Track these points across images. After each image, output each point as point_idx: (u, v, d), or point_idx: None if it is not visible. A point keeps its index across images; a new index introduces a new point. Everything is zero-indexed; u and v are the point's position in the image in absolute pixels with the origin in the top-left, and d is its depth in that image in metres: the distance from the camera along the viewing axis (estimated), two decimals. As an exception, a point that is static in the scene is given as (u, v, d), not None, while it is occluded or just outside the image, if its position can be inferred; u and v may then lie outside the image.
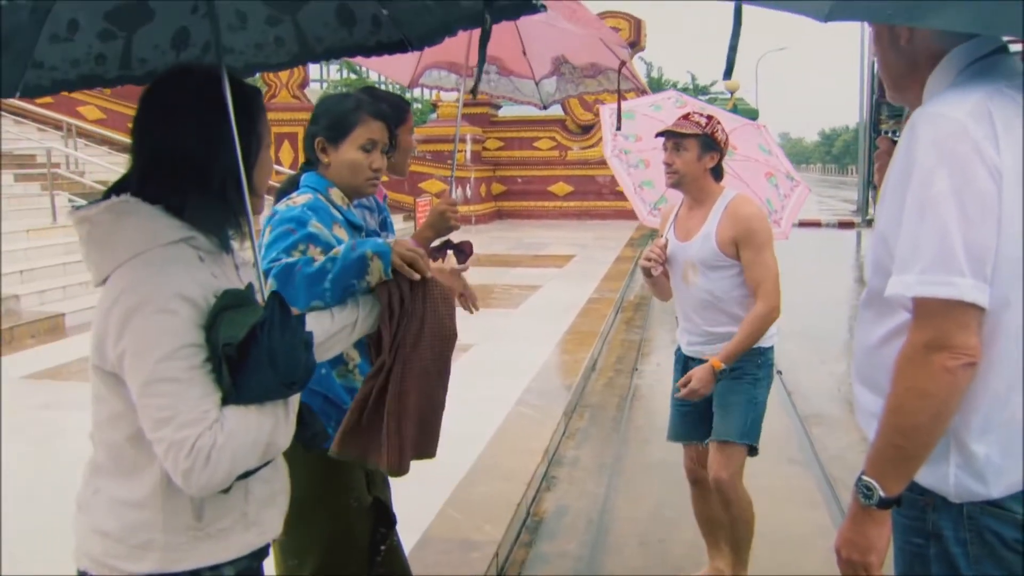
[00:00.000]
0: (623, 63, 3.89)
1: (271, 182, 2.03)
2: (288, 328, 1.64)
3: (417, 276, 2.27)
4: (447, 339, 2.38)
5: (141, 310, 1.61)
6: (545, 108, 4.38)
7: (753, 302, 3.55)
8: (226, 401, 1.63)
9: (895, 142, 2.01)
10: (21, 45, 2.09)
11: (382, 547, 2.68)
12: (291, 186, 2.63)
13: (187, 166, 1.74)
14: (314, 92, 25.58)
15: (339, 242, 2.45)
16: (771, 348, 3.69)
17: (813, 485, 5.34)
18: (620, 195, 24.90)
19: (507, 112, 26.62)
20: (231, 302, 1.65)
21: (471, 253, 3.12)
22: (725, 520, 3.74)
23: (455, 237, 3.03)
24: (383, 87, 4.51)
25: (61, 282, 10.31)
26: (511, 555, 4.39)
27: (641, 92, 5.14)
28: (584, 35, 3.66)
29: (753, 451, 3.63)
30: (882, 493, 1.73)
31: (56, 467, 4.84)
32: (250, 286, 1.71)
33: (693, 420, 3.78)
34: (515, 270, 14.51)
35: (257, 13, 2.33)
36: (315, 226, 2.43)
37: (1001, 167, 1.60)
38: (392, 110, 3.11)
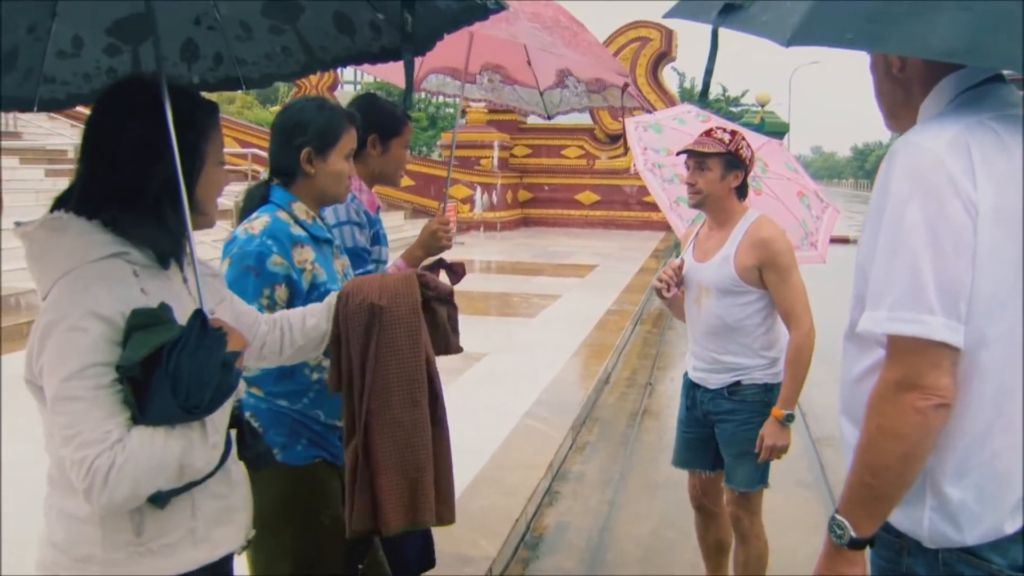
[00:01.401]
0: (627, 84, 3.89)
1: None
2: (202, 348, 1.61)
3: None
4: (415, 381, 2.28)
5: (56, 327, 1.60)
6: (549, 118, 4.38)
7: (766, 331, 3.45)
8: (136, 421, 1.61)
9: None
10: (27, 63, 2.16)
11: (360, 566, 2.64)
12: (260, 201, 2.58)
13: (121, 180, 1.72)
14: (347, 95, 25.72)
15: (297, 272, 2.44)
16: (779, 384, 3.49)
17: (820, 509, 5.25)
18: (647, 205, 24.94)
19: (535, 120, 26.61)
20: (141, 321, 1.62)
21: (463, 274, 3.07)
22: (739, 555, 3.66)
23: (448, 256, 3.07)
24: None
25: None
26: (507, 571, 4.34)
27: (647, 111, 5.08)
28: (584, 53, 3.64)
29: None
30: (853, 533, 1.67)
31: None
32: (163, 305, 1.67)
33: (698, 448, 3.69)
34: (536, 279, 14.47)
35: (260, 24, 2.35)
36: (275, 262, 2.40)
37: (977, 201, 1.56)
38: (388, 121, 3.11)
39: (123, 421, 1.60)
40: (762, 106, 29.45)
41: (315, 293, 2.48)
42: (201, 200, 1.84)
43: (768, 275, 3.37)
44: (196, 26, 2.29)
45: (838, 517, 1.69)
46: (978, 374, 1.61)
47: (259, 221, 2.46)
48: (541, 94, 4.22)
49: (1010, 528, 1.67)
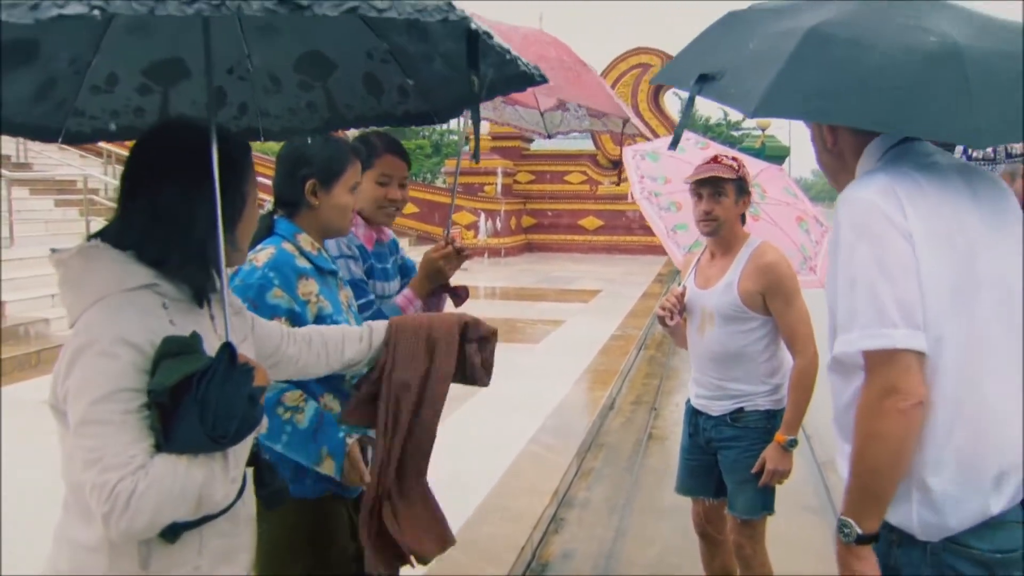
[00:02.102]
0: (626, 121, 3.97)
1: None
2: (230, 381, 1.63)
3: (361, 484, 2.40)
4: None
5: (86, 351, 1.62)
6: (550, 137, 4.45)
7: (769, 358, 3.46)
8: (160, 449, 1.62)
9: None
10: (62, 94, 2.20)
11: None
12: (265, 232, 2.61)
13: (169, 221, 1.76)
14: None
15: (301, 305, 2.45)
16: (783, 411, 3.50)
17: (827, 534, 5.22)
18: (649, 230, 24.66)
19: (538, 146, 26.72)
20: (172, 349, 1.65)
21: (466, 297, 3.16)
22: None
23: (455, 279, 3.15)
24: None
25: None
26: (512, 599, 4.32)
27: (648, 139, 5.14)
28: (588, 96, 3.74)
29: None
30: (859, 530, 1.90)
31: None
32: (194, 334, 1.70)
33: (701, 475, 3.69)
34: (540, 304, 14.48)
35: (290, 79, 2.38)
36: (275, 295, 2.42)
37: (911, 230, 1.86)
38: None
39: (147, 447, 1.61)
40: (763, 130, 29.54)
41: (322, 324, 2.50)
42: (239, 238, 1.90)
43: (772, 301, 3.38)
44: (228, 75, 2.33)
45: (843, 518, 1.92)
46: (939, 372, 1.87)
47: (264, 253, 2.48)
48: (542, 114, 4.29)
49: (996, 507, 1.91)
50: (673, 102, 28.37)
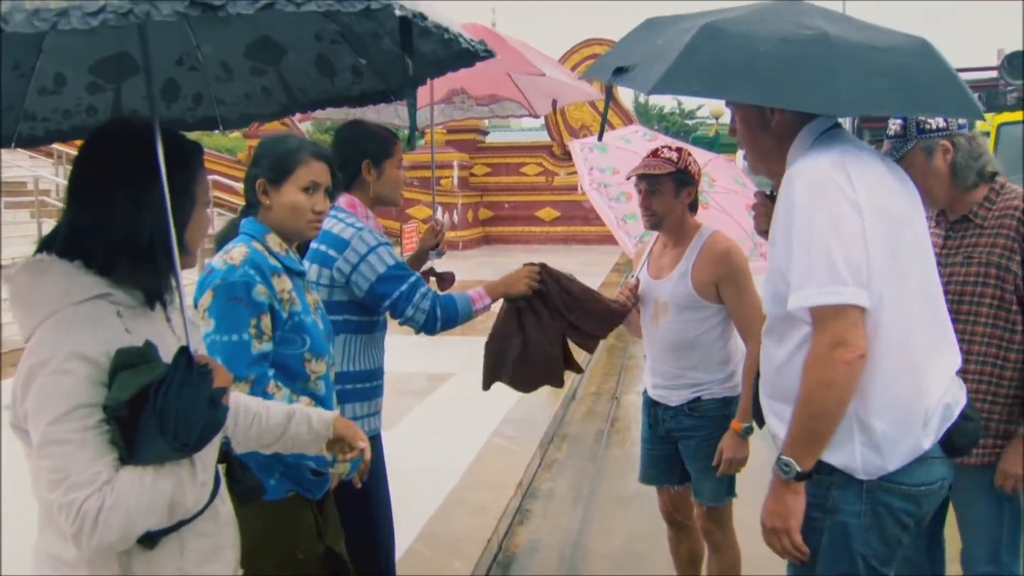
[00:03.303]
0: (555, 102, 4.23)
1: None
2: (188, 386, 1.61)
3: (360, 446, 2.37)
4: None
5: (40, 371, 1.59)
6: (422, 135, 4.66)
7: (723, 345, 3.47)
8: (125, 461, 1.60)
9: (769, 196, 2.69)
10: (9, 100, 2.17)
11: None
12: (232, 231, 2.59)
13: (116, 224, 1.72)
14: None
15: (278, 301, 2.46)
16: (737, 397, 3.51)
17: (789, 517, 5.28)
18: (607, 220, 24.87)
19: (494, 138, 26.70)
20: (126, 361, 1.62)
21: (453, 281, 3.62)
22: (713, 565, 3.68)
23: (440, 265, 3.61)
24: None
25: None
26: (480, 592, 4.32)
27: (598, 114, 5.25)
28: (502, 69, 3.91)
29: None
30: (799, 468, 2.10)
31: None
32: (148, 344, 1.67)
33: (664, 464, 3.69)
34: (499, 297, 14.35)
35: (242, 65, 2.36)
36: (260, 291, 2.42)
37: (859, 201, 2.09)
38: (378, 144, 3.14)
39: (111, 462, 1.59)
40: (716, 119, 29.77)
41: (290, 323, 2.47)
42: (190, 241, 1.85)
43: (725, 290, 3.40)
44: (178, 66, 2.30)
45: (784, 458, 2.13)
46: (882, 328, 2.11)
47: (237, 251, 2.46)
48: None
49: (927, 444, 2.18)
50: (626, 93, 28.47)
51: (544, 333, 3.33)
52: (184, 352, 1.64)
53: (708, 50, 2.08)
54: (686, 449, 3.55)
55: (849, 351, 2.03)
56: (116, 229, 1.71)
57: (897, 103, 2.26)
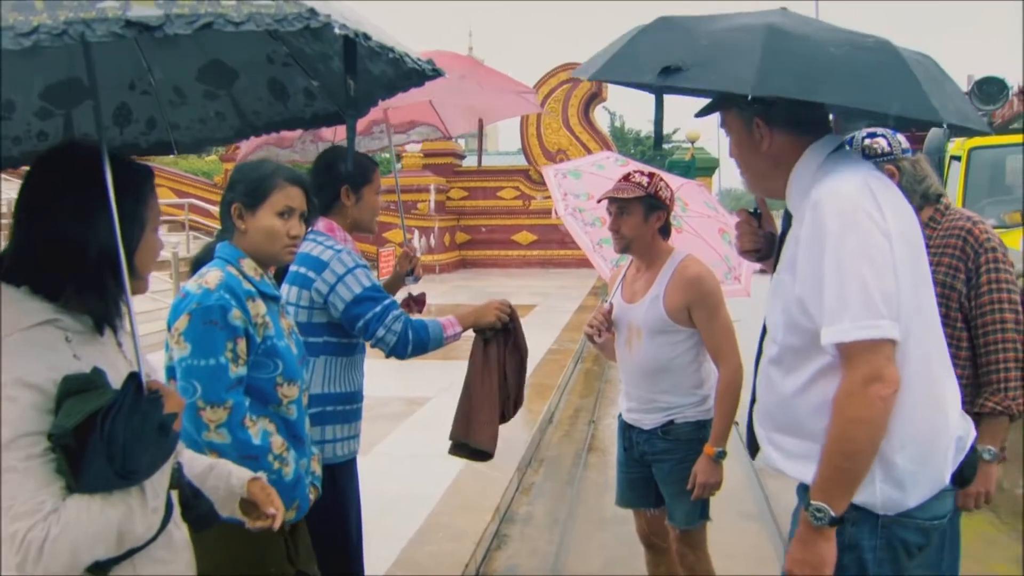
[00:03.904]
0: (481, 121, 4.71)
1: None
2: (137, 413, 1.59)
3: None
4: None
5: None
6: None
7: (696, 369, 3.48)
8: (71, 490, 1.58)
9: (752, 214, 2.68)
10: None
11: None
12: (207, 255, 2.59)
13: (63, 248, 1.70)
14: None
15: (253, 326, 2.47)
16: (711, 420, 3.51)
17: (766, 540, 5.30)
18: (584, 244, 24.89)
19: (471, 162, 26.71)
20: (73, 387, 1.60)
21: (424, 303, 3.76)
22: None
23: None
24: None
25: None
26: (457, 618, 4.29)
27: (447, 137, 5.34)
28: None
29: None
30: (832, 513, 2.00)
31: None
32: (95, 370, 1.65)
33: (640, 487, 3.69)
34: (476, 320, 14.33)
35: (194, 89, 2.36)
36: (235, 316, 2.42)
37: (888, 229, 2.00)
38: (357, 170, 3.17)
39: (57, 491, 1.57)
40: (692, 143, 29.96)
41: (264, 347, 2.47)
42: (140, 266, 1.83)
43: (697, 314, 3.41)
44: (130, 91, 2.29)
45: (815, 503, 2.01)
46: (907, 361, 2.01)
47: (212, 276, 2.46)
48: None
49: (947, 478, 2.12)
50: (603, 117, 28.65)
51: (502, 373, 3.39)
52: (134, 378, 1.62)
53: (787, 50, 1.98)
54: (659, 472, 3.56)
55: (885, 387, 1.94)
56: (62, 254, 1.70)
57: (973, 120, 2.16)
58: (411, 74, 2.06)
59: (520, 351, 3.41)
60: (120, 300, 1.77)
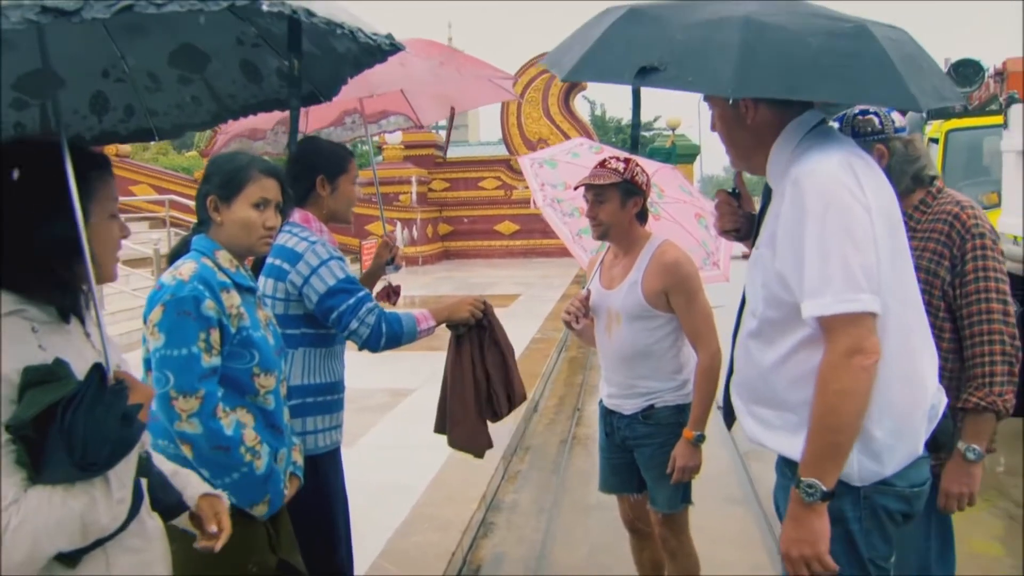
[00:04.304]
0: (452, 109, 4.84)
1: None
2: (100, 404, 1.59)
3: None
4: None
5: None
6: None
7: (676, 354, 3.50)
8: (32, 481, 1.58)
9: (731, 193, 2.68)
10: None
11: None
12: (184, 248, 2.59)
13: (9, 241, 1.70)
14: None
15: (227, 317, 2.46)
16: (691, 404, 3.53)
17: (751, 524, 5.33)
18: (566, 233, 24.88)
19: (453, 153, 26.68)
20: (35, 379, 1.60)
21: (399, 294, 3.95)
22: (671, 573, 3.70)
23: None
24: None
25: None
26: (445, 607, 4.31)
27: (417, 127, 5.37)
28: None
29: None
30: (824, 488, 2.02)
31: None
32: (58, 361, 1.65)
33: (623, 472, 3.71)
34: (460, 311, 14.31)
35: (168, 74, 2.36)
36: (209, 306, 2.42)
37: (868, 203, 2.03)
38: (332, 160, 3.16)
39: (18, 481, 1.57)
40: (673, 130, 30.02)
41: (239, 337, 2.48)
42: (99, 255, 1.82)
43: (675, 299, 3.42)
44: (104, 78, 2.28)
45: (806, 480, 2.03)
46: (886, 335, 2.04)
47: (186, 267, 2.46)
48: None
49: (922, 448, 2.18)
50: (583, 106, 28.64)
51: (475, 371, 3.38)
52: (97, 369, 1.63)
53: (765, 45, 1.98)
54: (641, 457, 3.58)
55: (867, 357, 1.98)
56: (14, 245, 1.70)
57: (949, 96, 2.19)
58: (373, 50, 2.05)
59: (499, 346, 3.40)
60: (81, 289, 1.78)
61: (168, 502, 1.97)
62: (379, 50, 2.04)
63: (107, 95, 2.33)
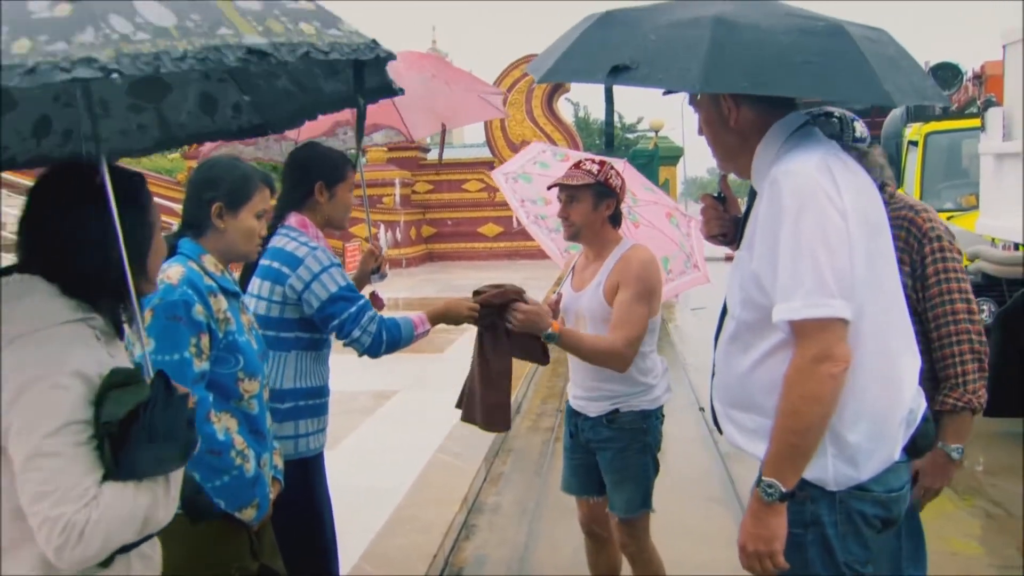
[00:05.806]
0: (444, 127, 4.87)
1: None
2: (171, 406, 1.69)
3: None
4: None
5: (35, 385, 1.65)
6: None
7: (641, 358, 3.44)
8: (106, 477, 1.66)
9: (716, 197, 2.71)
10: None
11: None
12: (169, 252, 2.59)
13: (88, 257, 1.79)
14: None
15: (215, 321, 2.49)
16: (658, 409, 3.56)
17: (732, 523, 5.34)
18: (550, 235, 24.89)
19: (436, 155, 26.64)
20: (118, 380, 1.69)
21: (382, 307, 3.85)
22: (635, 574, 3.70)
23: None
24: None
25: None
26: (427, 609, 4.31)
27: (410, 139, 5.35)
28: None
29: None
30: (783, 488, 2.04)
31: None
32: (138, 365, 1.77)
33: (584, 474, 3.70)
34: (444, 313, 14.30)
35: (120, 101, 2.35)
36: (198, 311, 2.44)
37: (844, 207, 2.02)
38: (333, 167, 3.20)
39: (98, 477, 1.65)
40: (656, 132, 30.10)
41: (225, 342, 2.49)
42: (150, 268, 1.95)
43: (621, 292, 3.37)
44: (55, 102, 2.28)
45: (766, 479, 2.05)
46: (860, 339, 2.05)
47: (174, 271, 2.47)
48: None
49: (898, 453, 2.17)
50: (566, 108, 28.68)
51: (498, 358, 3.43)
52: (162, 376, 1.71)
53: (735, 43, 2.00)
54: (602, 460, 3.57)
55: (835, 365, 1.98)
56: (86, 263, 1.79)
57: (931, 95, 2.25)
58: (376, 92, 2.12)
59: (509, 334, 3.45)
60: (130, 303, 1.86)
61: (200, 504, 2.17)
62: (382, 92, 2.11)
63: (51, 119, 2.31)
